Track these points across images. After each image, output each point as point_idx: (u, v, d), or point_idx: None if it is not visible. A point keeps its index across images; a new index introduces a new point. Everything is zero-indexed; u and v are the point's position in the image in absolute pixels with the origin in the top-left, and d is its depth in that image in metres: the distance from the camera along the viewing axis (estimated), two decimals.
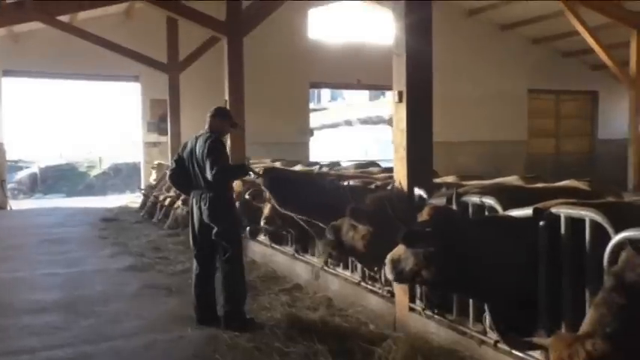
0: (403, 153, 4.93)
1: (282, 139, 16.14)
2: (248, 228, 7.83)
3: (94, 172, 26.64)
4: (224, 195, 5.51)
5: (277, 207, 6.07)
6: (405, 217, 3.97)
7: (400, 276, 3.64)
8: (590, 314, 2.46)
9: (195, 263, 5.60)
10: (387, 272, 3.69)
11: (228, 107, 9.44)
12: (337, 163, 9.34)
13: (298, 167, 9.17)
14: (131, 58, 13.83)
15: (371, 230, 4.51)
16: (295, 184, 5.83)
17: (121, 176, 25.82)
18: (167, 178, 5.87)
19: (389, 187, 5.14)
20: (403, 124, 4.94)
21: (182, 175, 5.58)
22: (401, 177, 4.96)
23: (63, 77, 16.89)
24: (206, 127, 5.54)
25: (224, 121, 5.65)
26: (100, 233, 10.76)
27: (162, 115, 15.59)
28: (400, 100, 4.97)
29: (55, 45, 14.51)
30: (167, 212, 11.06)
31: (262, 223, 6.99)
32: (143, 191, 13.74)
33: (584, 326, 2.40)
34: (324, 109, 36.63)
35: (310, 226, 5.88)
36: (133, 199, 16.02)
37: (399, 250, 3.63)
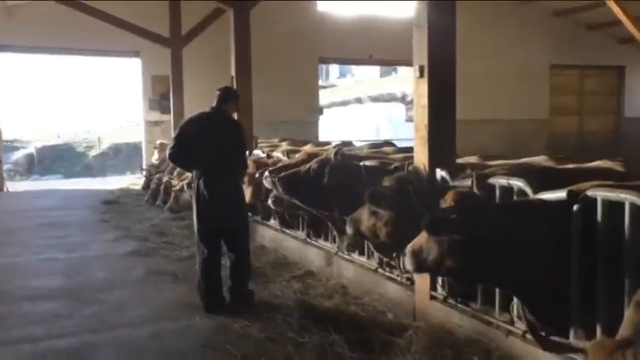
0: (424, 131, 4.83)
1: (291, 118, 16.06)
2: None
3: (92, 153, 26.69)
4: (239, 177, 5.76)
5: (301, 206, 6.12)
6: (426, 200, 3.88)
7: (422, 266, 3.57)
8: (629, 314, 2.31)
9: (202, 247, 5.59)
10: (408, 263, 3.62)
11: (234, 84, 9.39)
12: (349, 143, 9.23)
13: (308, 147, 9.09)
14: (131, 32, 13.69)
15: (392, 215, 4.43)
16: (311, 181, 5.71)
17: (121, 157, 25.86)
18: (167, 155, 5.83)
19: (409, 168, 5.03)
20: (424, 101, 4.84)
21: (184, 152, 5.57)
22: (422, 157, 4.87)
23: (60, 52, 16.83)
24: (215, 104, 5.64)
25: (234, 102, 5.80)
26: (101, 217, 10.76)
27: (164, 93, 15.50)
28: (421, 75, 4.87)
29: (51, 19, 14.43)
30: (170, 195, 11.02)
31: (270, 203, 6.94)
32: (144, 171, 13.71)
33: (624, 329, 2.28)
34: (333, 85, 36.43)
35: (329, 216, 5.87)
36: (134, 181, 16.05)
37: (421, 238, 3.56)
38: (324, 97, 25.95)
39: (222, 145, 5.47)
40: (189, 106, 13.67)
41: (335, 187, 5.44)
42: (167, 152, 5.75)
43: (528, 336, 3.82)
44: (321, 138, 16.23)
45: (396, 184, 4.66)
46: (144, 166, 14.73)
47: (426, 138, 4.83)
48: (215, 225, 5.56)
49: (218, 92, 5.70)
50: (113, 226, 9.81)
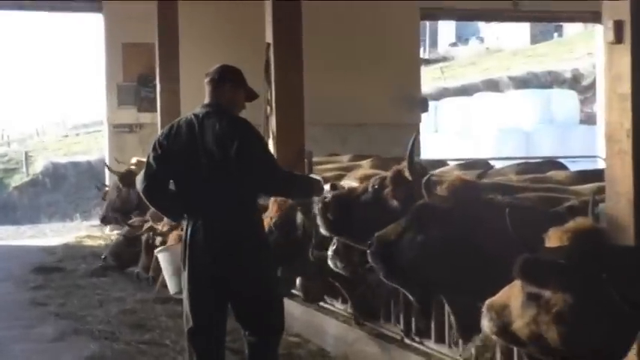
0: (626, 143, 4.81)
1: (370, 118, 16.15)
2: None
3: (15, 180, 27.33)
4: (258, 219, 6.04)
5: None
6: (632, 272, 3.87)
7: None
8: None
9: (194, 344, 5.88)
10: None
11: (271, 58, 9.51)
12: (486, 165, 9.18)
13: (404, 165, 9.09)
14: None
15: (570, 301, 4.39)
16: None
17: (64, 187, 26.36)
18: (141, 188, 6.11)
19: (596, 212, 5.01)
20: (626, 86, 4.83)
21: (166, 184, 5.96)
22: (622, 189, 4.86)
23: None
24: (209, 100, 5.98)
25: (237, 88, 6.06)
26: (33, 295, 10.99)
27: (144, 75, 15.81)
28: (619, 40, 4.88)
29: None
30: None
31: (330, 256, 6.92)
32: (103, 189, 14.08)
33: None
34: (446, 59, 36.61)
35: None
36: (89, 231, 16.35)
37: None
38: (429, 79, 26.04)
39: (222, 164, 5.69)
40: (188, 98, 13.86)
41: (439, 247, 5.46)
42: (138, 185, 5.98)
43: None
44: (427, 154, 16.25)
45: (575, 242, 4.63)
46: (105, 182, 15.11)
47: (629, 153, 4.79)
48: (217, 290, 5.81)
49: (212, 76, 6.00)
50: (54, 311, 9.99)
